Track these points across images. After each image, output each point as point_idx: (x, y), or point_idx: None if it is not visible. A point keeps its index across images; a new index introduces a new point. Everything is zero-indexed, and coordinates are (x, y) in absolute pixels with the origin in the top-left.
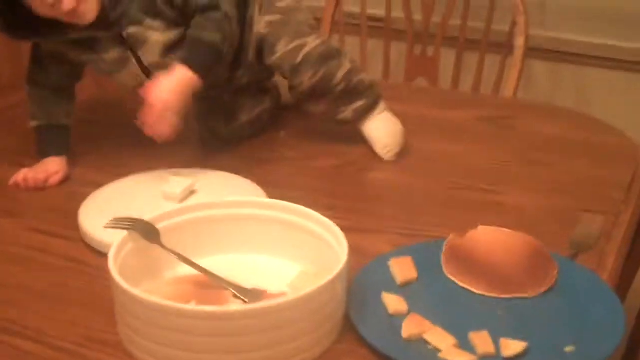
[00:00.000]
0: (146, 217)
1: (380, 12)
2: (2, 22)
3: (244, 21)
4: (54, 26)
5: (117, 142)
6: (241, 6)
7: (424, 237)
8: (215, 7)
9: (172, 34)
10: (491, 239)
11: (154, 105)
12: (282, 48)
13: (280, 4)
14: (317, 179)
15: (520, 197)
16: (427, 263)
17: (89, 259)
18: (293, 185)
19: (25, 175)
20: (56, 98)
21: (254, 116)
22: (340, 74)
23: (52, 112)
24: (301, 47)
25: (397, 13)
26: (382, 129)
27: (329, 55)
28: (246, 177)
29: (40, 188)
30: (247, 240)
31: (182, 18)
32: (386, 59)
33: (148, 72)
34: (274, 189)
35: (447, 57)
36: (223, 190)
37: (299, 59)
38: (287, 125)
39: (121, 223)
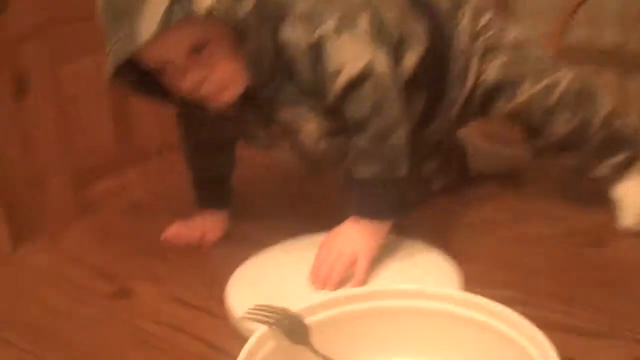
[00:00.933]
0: (299, 302)
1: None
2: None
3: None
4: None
5: (285, 193)
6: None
7: None
8: (364, 78)
9: (328, 124)
10: None
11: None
12: (527, 90)
13: (506, 40)
14: (528, 253)
15: None
16: None
17: (233, 346)
18: (494, 258)
19: (177, 230)
20: (213, 151)
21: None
22: (599, 117)
23: (211, 163)
24: (553, 85)
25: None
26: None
27: (588, 93)
28: (432, 245)
29: (193, 247)
30: (431, 341)
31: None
32: (624, 93)
33: (304, 153)
34: (469, 264)
35: None
36: (404, 265)
37: (553, 100)
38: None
39: (261, 313)
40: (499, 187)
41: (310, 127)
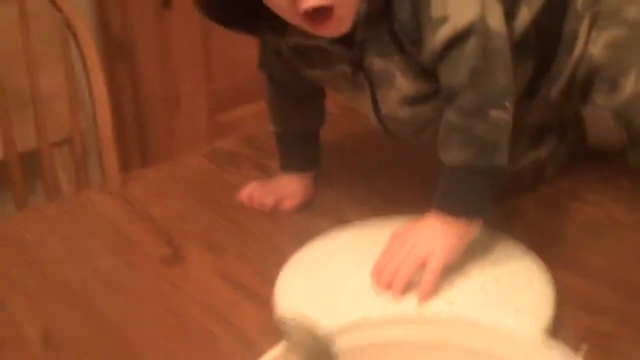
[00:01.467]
0: (353, 307)
1: None
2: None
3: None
4: (275, 21)
5: (376, 160)
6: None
7: None
8: (471, 34)
9: (415, 86)
10: None
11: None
12: (633, 82)
13: (625, 13)
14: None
15: None
16: None
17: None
18: (601, 272)
19: (252, 192)
20: (300, 107)
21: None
22: None
23: (297, 120)
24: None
25: None
26: None
27: None
28: (527, 246)
29: (267, 212)
30: None
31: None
32: None
33: (381, 118)
34: (569, 277)
35: None
36: (484, 273)
37: None
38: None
39: (288, 324)
40: (631, 180)
41: (395, 86)
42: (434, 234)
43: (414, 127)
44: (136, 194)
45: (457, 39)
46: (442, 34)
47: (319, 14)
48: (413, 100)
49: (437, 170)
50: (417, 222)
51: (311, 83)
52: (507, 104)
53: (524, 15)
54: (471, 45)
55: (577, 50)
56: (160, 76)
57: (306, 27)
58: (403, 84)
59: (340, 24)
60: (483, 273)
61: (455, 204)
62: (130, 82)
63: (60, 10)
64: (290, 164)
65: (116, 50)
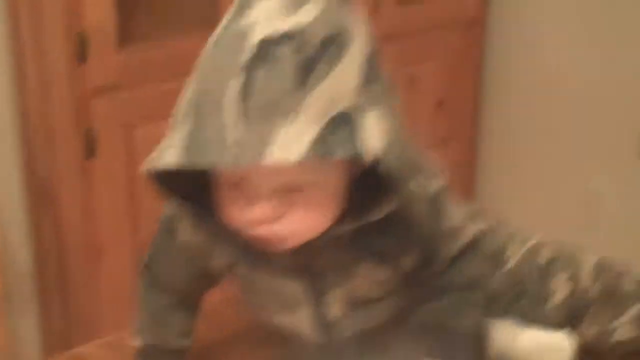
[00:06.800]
0: None
1: None
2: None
3: None
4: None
5: None
6: None
7: None
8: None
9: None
10: None
11: None
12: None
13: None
14: None
15: None
16: None
17: None
18: None
19: None
20: (179, 309)
21: None
22: (586, 269)
23: (168, 329)
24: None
25: None
26: None
27: (565, 250)
28: None
29: None
30: None
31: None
32: None
33: (325, 326)
34: None
35: None
36: None
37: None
38: None
39: None
40: None
41: (351, 288)
42: None
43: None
44: None
45: (478, 239)
46: (466, 237)
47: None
48: (368, 301)
49: None
50: None
51: (204, 291)
52: None
53: None
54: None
55: None
56: (83, 225)
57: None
58: (362, 287)
59: (286, 246)
60: None
61: None
62: (53, 230)
63: None
64: None
65: (40, 197)
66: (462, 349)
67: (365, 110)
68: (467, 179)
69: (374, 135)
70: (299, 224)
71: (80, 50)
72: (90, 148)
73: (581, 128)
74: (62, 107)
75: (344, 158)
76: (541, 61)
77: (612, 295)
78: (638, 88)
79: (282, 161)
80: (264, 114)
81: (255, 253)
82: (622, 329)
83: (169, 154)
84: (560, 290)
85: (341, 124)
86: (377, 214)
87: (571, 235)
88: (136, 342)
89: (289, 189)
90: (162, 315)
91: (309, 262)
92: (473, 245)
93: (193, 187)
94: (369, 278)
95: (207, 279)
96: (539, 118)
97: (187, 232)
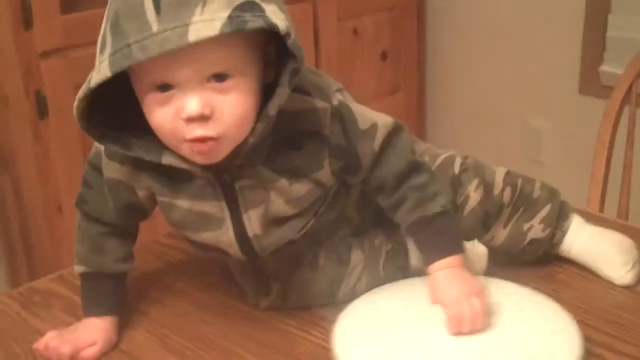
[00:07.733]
0: None
1: None
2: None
3: None
4: (151, 142)
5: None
6: None
7: None
8: (417, 168)
9: (293, 208)
10: None
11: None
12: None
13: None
14: None
15: None
16: None
17: None
18: None
19: (48, 341)
20: (113, 237)
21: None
22: (497, 177)
23: (105, 255)
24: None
25: None
26: (601, 243)
27: (477, 164)
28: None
29: None
30: None
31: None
32: None
33: (245, 243)
34: None
35: None
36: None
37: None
38: None
39: None
40: None
41: (268, 208)
42: (454, 277)
43: (283, 242)
44: None
45: (393, 134)
46: (381, 135)
47: (200, 141)
48: (284, 219)
49: None
50: (434, 284)
51: (135, 221)
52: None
53: None
54: (405, 134)
55: None
56: (41, 184)
57: (186, 151)
58: (278, 205)
59: (218, 154)
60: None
61: (447, 246)
62: (12, 189)
63: None
64: (92, 308)
65: None
66: (444, 231)
67: (264, 2)
68: (416, 126)
69: (279, 17)
70: (228, 116)
71: (26, 18)
72: (41, 109)
73: (522, 69)
74: (12, 71)
75: (259, 29)
76: (482, 5)
77: (522, 199)
78: (578, 27)
79: (206, 37)
80: (178, 7)
81: (176, 178)
82: (534, 229)
83: (98, 72)
84: (473, 196)
85: (248, 6)
86: (282, 95)
87: (515, 170)
88: (79, 270)
89: (215, 78)
90: (99, 243)
91: (228, 182)
92: (390, 141)
93: (116, 122)
94: (285, 195)
95: (135, 211)
96: (482, 61)
97: (111, 168)
